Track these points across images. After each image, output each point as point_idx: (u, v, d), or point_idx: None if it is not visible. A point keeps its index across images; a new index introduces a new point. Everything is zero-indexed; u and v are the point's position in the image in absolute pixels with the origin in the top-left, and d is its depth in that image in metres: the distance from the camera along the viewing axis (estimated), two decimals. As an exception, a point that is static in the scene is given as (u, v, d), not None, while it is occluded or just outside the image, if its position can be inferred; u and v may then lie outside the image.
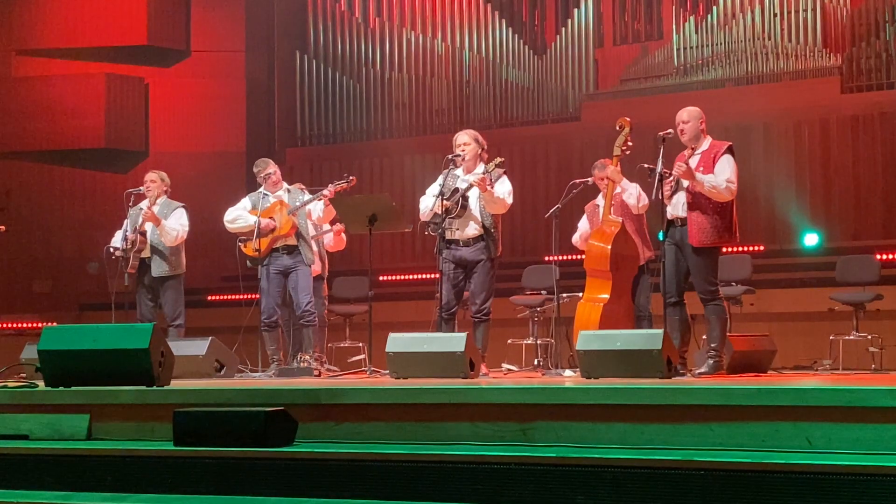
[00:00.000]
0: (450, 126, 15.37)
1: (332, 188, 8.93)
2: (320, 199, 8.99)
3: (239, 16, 16.69)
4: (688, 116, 7.37)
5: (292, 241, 8.88)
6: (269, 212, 8.93)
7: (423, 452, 4.92)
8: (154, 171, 9.55)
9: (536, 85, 15.84)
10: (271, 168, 9.10)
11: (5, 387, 6.30)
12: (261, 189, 9.07)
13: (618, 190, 8.06)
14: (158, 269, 9.20)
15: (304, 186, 9.38)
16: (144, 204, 9.37)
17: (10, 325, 14.76)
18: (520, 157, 15.26)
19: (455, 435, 5.12)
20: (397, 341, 7.24)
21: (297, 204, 8.92)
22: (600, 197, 8.63)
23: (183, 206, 9.37)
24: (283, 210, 8.86)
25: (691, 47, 14.86)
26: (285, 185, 9.16)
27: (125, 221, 9.36)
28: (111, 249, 9.32)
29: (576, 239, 8.72)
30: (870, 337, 10.23)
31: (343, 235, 9.87)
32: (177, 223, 9.24)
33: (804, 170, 14.20)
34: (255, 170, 9.18)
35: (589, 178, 8.68)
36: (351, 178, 9.06)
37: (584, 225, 8.76)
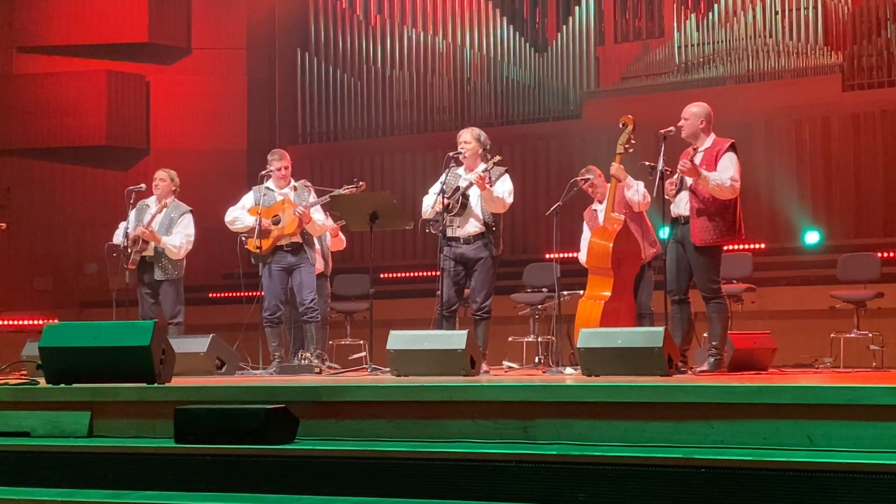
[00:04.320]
0: (451, 124, 15.39)
1: (342, 192, 8.90)
2: (326, 201, 8.97)
3: (240, 13, 16.69)
4: (689, 113, 7.35)
5: (297, 239, 8.86)
6: (273, 210, 8.87)
7: (424, 450, 4.92)
8: (164, 170, 9.34)
9: (537, 83, 15.84)
10: (285, 161, 9.00)
11: (7, 384, 6.30)
12: (265, 184, 9.00)
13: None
14: (159, 272, 9.11)
15: (309, 184, 9.35)
16: (151, 201, 9.26)
17: (11, 322, 14.77)
18: (521, 155, 15.27)
19: (456, 432, 5.12)
20: (398, 339, 7.23)
21: (304, 204, 8.82)
22: (596, 202, 8.63)
23: (190, 211, 9.25)
24: (289, 209, 8.82)
25: (692, 45, 14.85)
26: (292, 181, 9.11)
27: (125, 222, 9.30)
28: (112, 247, 9.29)
29: (583, 259, 8.38)
30: (871, 335, 10.24)
31: (341, 235, 9.86)
32: (181, 236, 9.10)
33: (805, 167, 14.19)
34: (269, 157, 9.10)
35: (589, 176, 8.67)
36: (361, 183, 9.02)
37: (587, 237, 8.53)
